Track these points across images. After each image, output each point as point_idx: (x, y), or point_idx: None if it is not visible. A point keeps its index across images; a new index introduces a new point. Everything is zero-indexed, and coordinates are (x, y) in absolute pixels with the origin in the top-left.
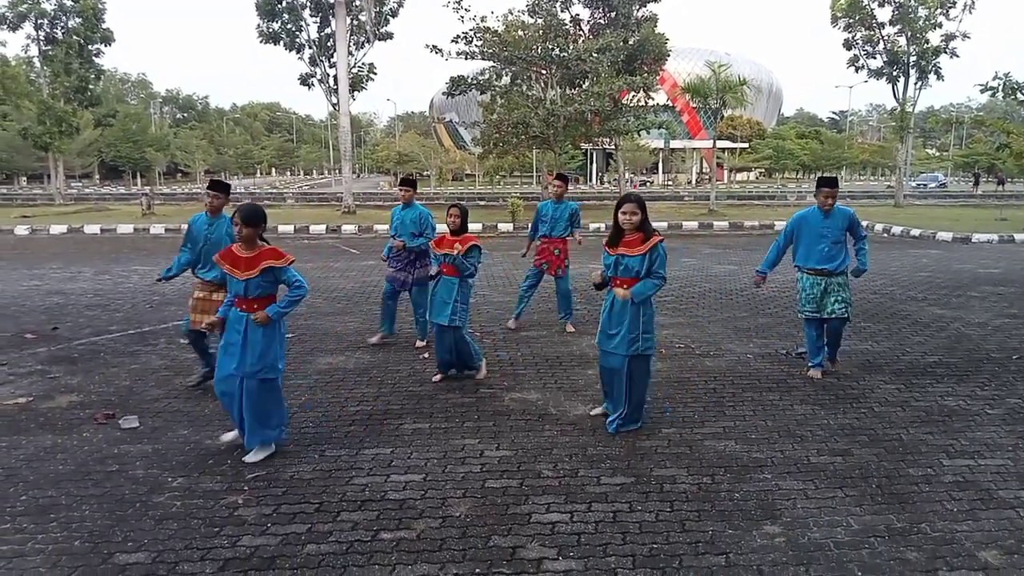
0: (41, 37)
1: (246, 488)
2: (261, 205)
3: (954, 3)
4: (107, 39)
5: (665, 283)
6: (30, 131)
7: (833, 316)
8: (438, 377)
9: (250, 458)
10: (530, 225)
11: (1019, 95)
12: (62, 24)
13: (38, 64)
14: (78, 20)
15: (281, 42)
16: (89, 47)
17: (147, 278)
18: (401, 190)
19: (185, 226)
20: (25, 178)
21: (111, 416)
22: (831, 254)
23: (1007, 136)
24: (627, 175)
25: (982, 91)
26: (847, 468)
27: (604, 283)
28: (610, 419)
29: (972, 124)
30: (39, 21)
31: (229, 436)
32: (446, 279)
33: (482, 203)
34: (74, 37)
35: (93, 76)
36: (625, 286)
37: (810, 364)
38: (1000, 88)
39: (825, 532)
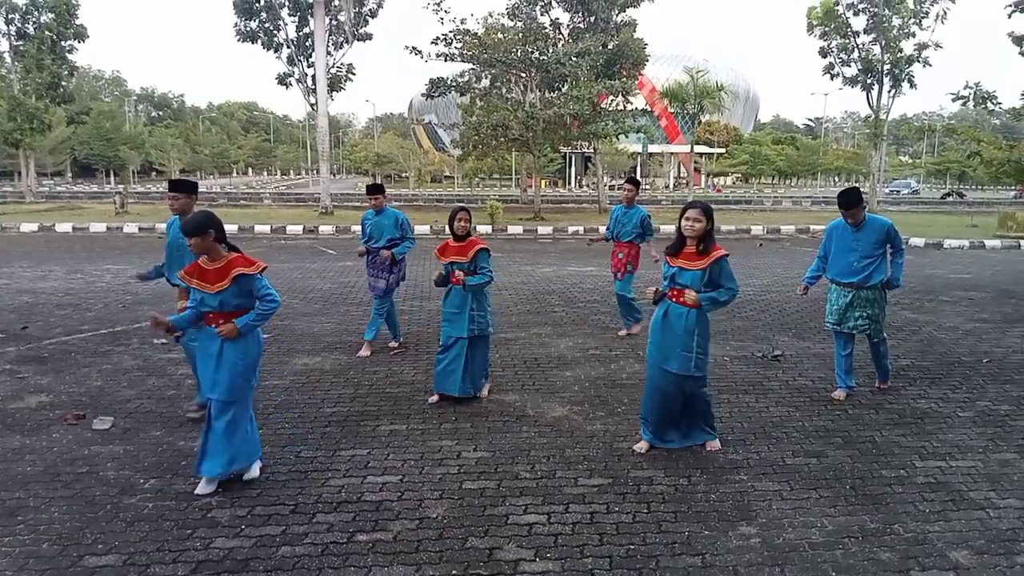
0: (12, 32)
1: (219, 489)
2: (208, 211)
3: (927, 13)
4: (80, 35)
5: (735, 294)
6: (0, 127)
7: (854, 331)
8: (435, 399)
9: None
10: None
11: (989, 104)
12: (34, 19)
13: (8, 59)
14: (50, 15)
15: (259, 41)
16: (62, 43)
17: (119, 277)
18: (372, 198)
19: (161, 225)
20: None
21: (81, 417)
22: (858, 267)
23: (978, 144)
24: (605, 179)
25: (954, 100)
26: (822, 469)
27: (660, 298)
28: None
29: (944, 132)
30: (10, 16)
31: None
32: (457, 288)
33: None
34: (46, 32)
35: (66, 72)
36: (682, 297)
37: (838, 384)
38: (971, 97)
39: (800, 533)
